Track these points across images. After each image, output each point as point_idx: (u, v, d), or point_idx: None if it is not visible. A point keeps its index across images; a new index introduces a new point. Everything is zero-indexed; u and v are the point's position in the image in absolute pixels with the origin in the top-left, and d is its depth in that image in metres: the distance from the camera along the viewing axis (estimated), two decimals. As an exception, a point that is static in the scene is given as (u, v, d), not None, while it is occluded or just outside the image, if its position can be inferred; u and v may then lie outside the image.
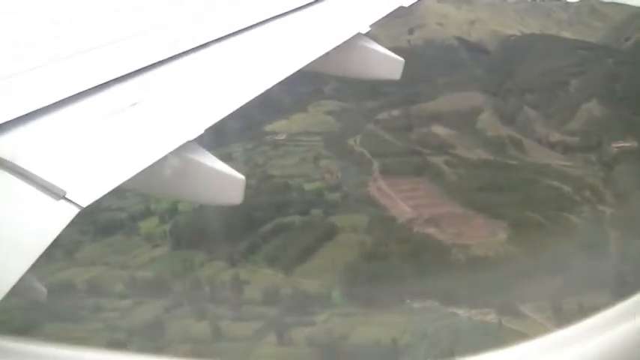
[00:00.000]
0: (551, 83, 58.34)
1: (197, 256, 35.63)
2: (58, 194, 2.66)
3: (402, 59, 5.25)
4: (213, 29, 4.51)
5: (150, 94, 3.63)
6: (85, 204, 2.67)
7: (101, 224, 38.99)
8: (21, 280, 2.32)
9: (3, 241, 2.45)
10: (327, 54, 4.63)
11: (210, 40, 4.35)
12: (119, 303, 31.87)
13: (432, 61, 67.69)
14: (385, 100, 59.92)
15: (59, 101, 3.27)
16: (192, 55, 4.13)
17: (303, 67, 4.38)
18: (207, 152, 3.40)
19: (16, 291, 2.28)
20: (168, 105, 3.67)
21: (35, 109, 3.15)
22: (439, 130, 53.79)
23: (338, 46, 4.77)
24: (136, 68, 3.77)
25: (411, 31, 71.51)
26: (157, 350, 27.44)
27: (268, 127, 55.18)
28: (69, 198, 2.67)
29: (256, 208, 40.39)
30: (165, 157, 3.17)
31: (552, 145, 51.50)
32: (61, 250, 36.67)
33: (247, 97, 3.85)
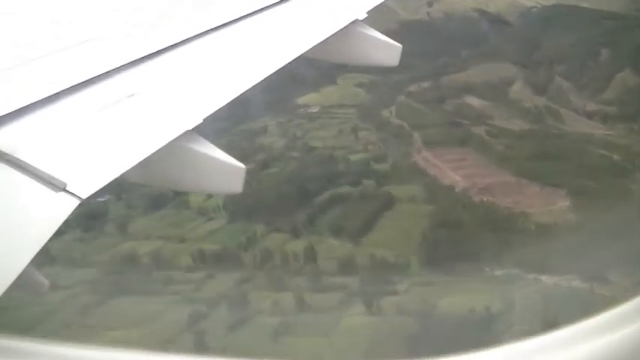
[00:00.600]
0: (580, 54, 57.70)
1: (256, 229, 34.68)
2: (58, 186, 2.67)
3: (399, 45, 5.22)
4: (211, 18, 4.51)
5: (147, 85, 3.62)
6: (85, 195, 2.68)
7: (148, 198, 38.10)
8: (23, 272, 2.31)
9: (4, 233, 2.45)
10: (324, 41, 4.66)
11: (208, 29, 4.35)
12: (189, 276, 30.90)
13: (453, 33, 67.06)
14: (412, 73, 58.94)
15: (57, 93, 3.27)
16: (190, 45, 4.13)
17: (302, 55, 4.39)
18: (206, 141, 3.36)
19: (18, 284, 2.27)
20: (167, 95, 3.65)
21: (34, 101, 3.15)
22: (473, 101, 53.22)
23: (335, 33, 4.81)
24: (134, 59, 3.75)
25: (430, 4, 70.50)
26: (243, 322, 26.63)
27: (299, 100, 54.30)
28: (69, 190, 2.68)
29: (306, 179, 39.71)
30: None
31: (590, 115, 50.98)
32: (111, 224, 35.84)
33: (245, 85, 3.83)
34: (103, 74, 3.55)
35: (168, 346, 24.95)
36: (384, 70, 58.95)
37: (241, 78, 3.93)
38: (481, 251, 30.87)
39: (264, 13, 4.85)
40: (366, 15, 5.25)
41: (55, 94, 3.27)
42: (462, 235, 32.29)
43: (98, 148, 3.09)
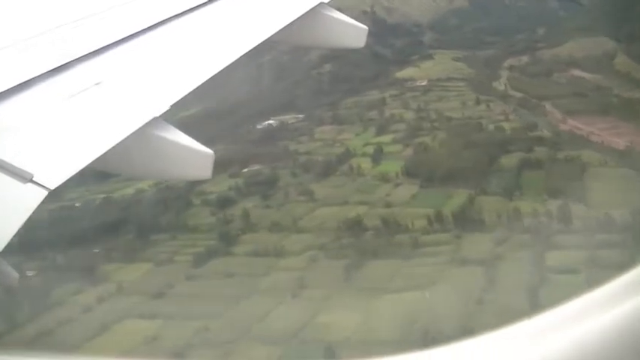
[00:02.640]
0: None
1: (462, 192, 32.10)
2: (26, 177, 2.63)
3: (365, 27, 5.12)
4: (176, 4, 4.39)
5: (114, 73, 3.55)
6: (53, 186, 2.66)
7: (306, 167, 35.47)
8: None
9: None
10: (291, 24, 4.63)
11: (173, 14, 4.25)
12: (434, 237, 27.97)
13: (525, 10, 66.19)
14: (499, 49, 57.96)
15: (22, 83, 3.17)
16: (155, 32, 4.03)
17: (269, 38, 4.37)
18: (174, 128, 3.28)
19: None
20: (133, 82, 3.58)
21: None
22: (581, 73, 51.87)
23: (301, 16, 4.74)
24: (99, 47, 3.66)
25: (494, -18, 69.42)
26: (543, 281, 24.00)
27: (399, 75, 51.91)
28: (36, 181, 2.63)
29: (474, 145, 37.56)
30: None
31: None
32: (291, 191, 32.99)
33: (212, 70, 3.78)
34: (69, 62, 3.42)
35: (487, 306, 22.19)
36: (470, 46, 57.66)
37: (207, 64, 3.83)
38: None
39: None
40: None
41: (20, 84, 3.14)
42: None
43: (65, 137, 3.00)
